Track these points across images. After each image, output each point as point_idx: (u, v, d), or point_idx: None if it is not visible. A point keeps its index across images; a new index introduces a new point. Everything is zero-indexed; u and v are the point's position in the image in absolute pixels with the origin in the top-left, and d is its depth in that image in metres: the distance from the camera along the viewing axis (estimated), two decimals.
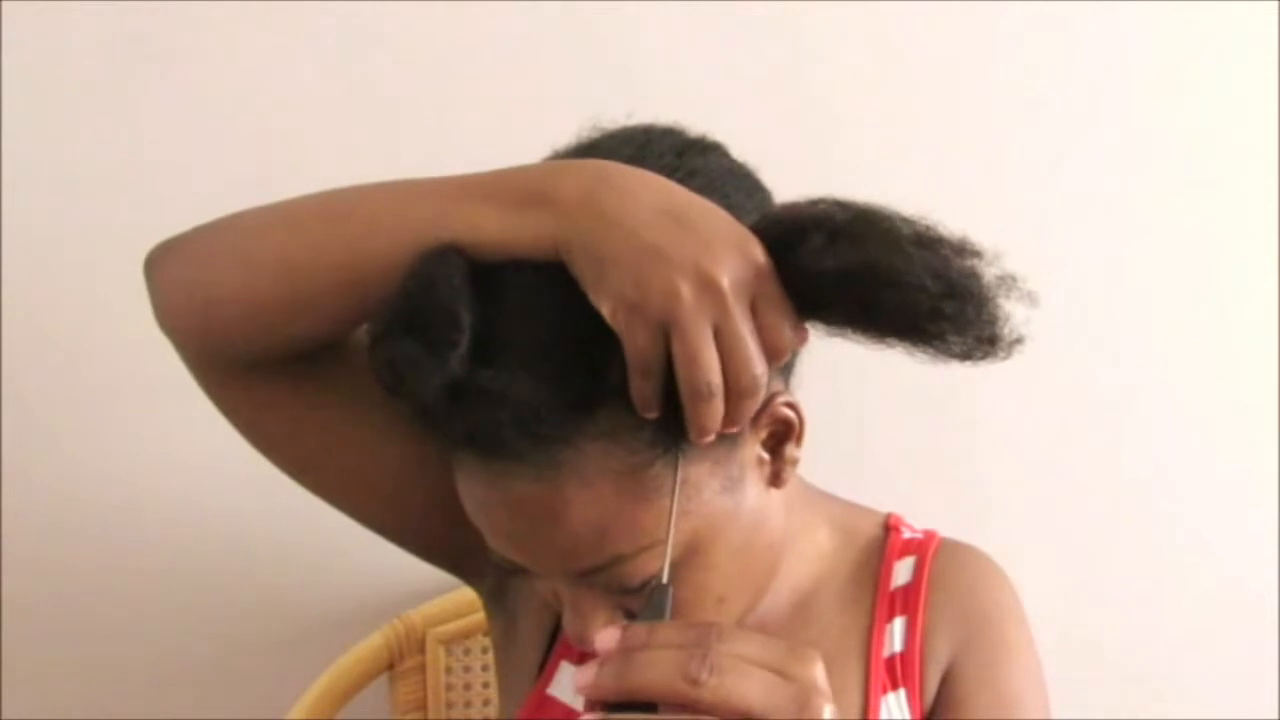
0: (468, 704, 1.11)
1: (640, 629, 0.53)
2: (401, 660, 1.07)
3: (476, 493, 0.64)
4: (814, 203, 0.62)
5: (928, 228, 0.60)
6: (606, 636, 0.53)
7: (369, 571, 1.15)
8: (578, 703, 0.77)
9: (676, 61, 1.17)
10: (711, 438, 0.60)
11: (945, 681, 0.75)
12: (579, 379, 0.59)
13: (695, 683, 0.50)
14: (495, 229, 0.61)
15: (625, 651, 0.52)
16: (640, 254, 0.57)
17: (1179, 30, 1.24)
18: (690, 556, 0.64)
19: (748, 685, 0.50)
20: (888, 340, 0.60)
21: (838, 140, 1.21)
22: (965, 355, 0.59)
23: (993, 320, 0.59)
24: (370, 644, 1.06)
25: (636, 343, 0.57)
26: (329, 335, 0.68)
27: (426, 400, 0.58)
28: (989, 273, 0.59)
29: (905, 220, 0.60)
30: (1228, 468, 1.31)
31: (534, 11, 1.14)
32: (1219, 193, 1.27)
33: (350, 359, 0.70)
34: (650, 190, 0.60)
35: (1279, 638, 1.32)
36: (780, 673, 0.51)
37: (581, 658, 0.78)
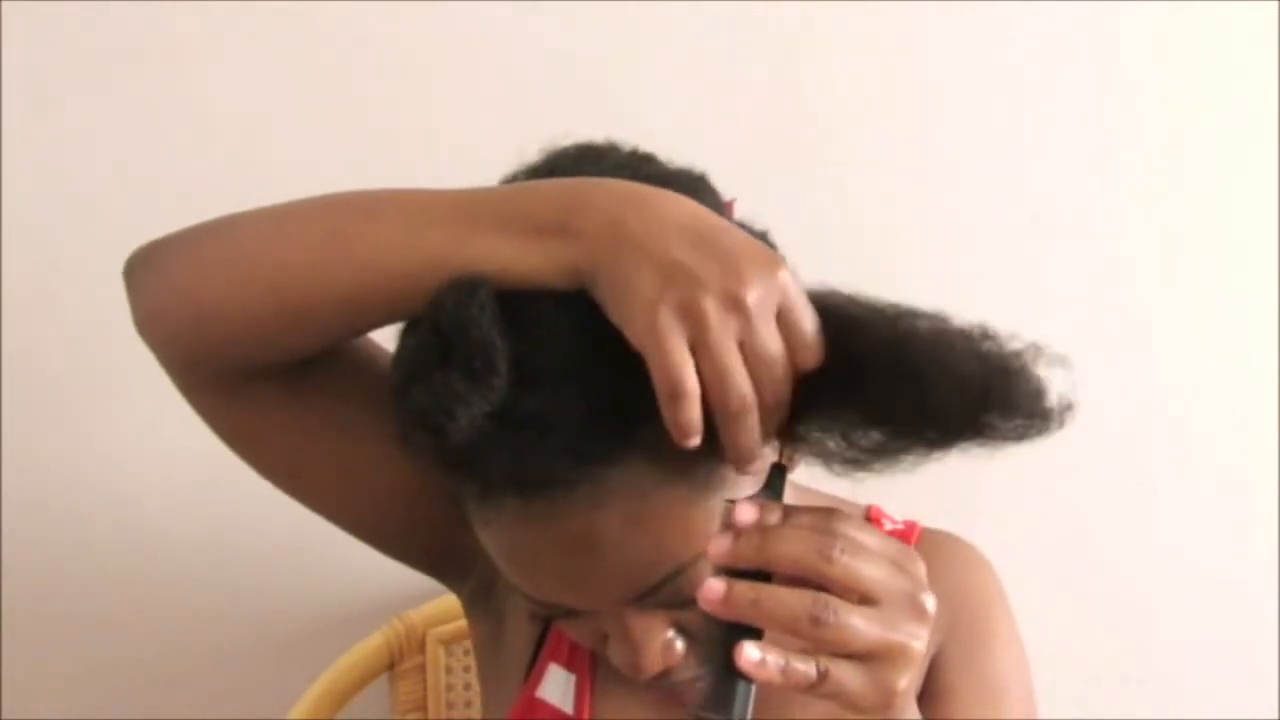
0: (468, 704, 1.11)
1: (777, 506, 0.57)
2: (401, 660, 1.07)
3: (521, 539, 0.63)
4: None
5: (944, 322, 0.59)
6: (747, 510, 0.57)
7: (369, 571, 1.14)
8: (566, 705, 0.77)
9: (664, 65, 1.17)
10: (756, 461, 0.59)
11: (931, 671, 0.75)
12: (618, 397, 0.59)
13: (829, 560, 0.54)
14: (511, 263, 0.60)
15: (763, 527, 0.56)
16: (662, 272, 0.56)
17: (1178, 30, 1.24)
18: None
19: (872, 569, 0.55)
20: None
21: (825, 142, 1.21)
22: (1019, 437, 0.58)
23: (1039, 396, 0.58)
24: (370, 644, 1.06)
25: (662, 363, 0.56)
26: (323, 348, 0.67)
27: (471, 436, 0.57)
28: (1016, 349, 0.58)
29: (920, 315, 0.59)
30: (1228, 465, 1.31)
31: (523, 14, 1.14)
32: (1218, 194, 1.27)
33: (336, 363, 0.70)
34: (676, 210, 0.59)
35: (1279, 637, 1.33)
36: (897, 565, 0.56)
37: (570, 660, 0.78)
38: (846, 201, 1.21)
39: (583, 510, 0.60)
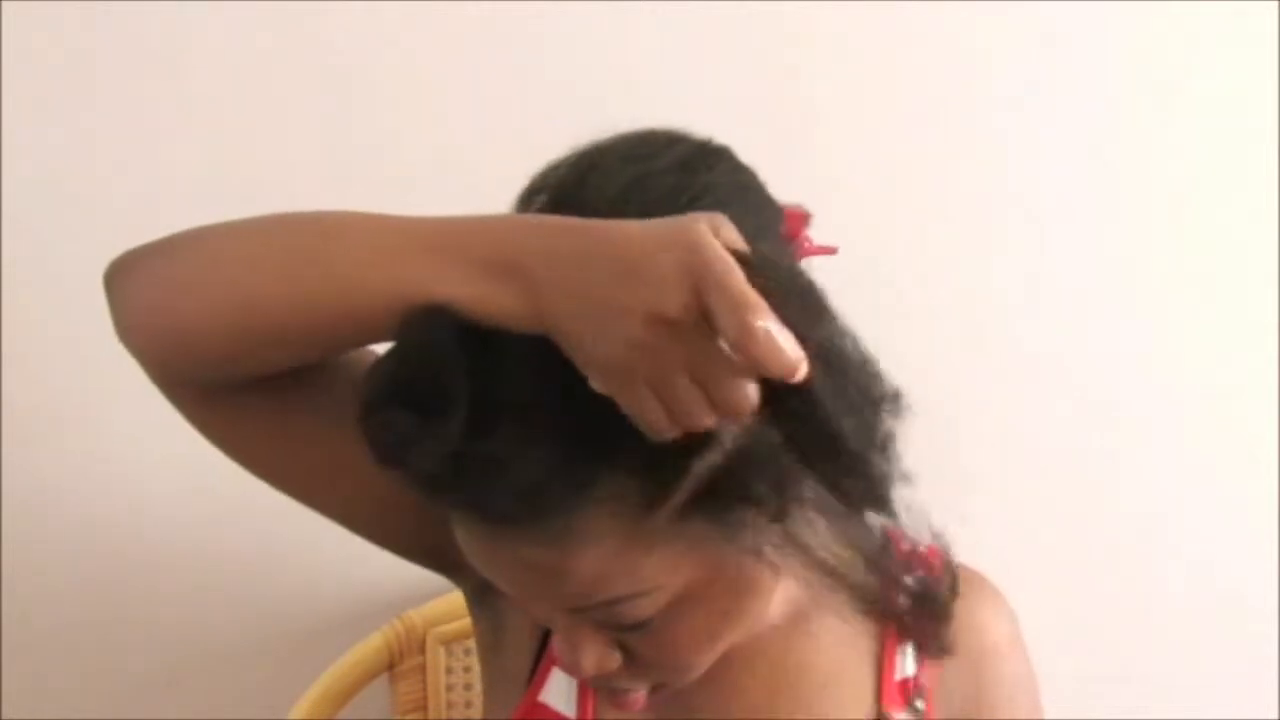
0: (468, 704, 1.11)
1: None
2: (401, 660, 1.07)
3: (477, 548, 0.65)
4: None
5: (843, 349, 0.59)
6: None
7: (369, 571, 1.15)
8: (570, 709, 0.77)
9: (667, 59, 1.17)
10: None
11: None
12: (580, 447, 0.59)
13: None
14: (474, 303, 0.59)
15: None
16: (595, 317, 0.56)
17: (1177, 30, 1.24)
18: (685, 600, 0.65)
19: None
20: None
21: (825, 139, 1.21)
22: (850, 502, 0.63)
23: (878, 486, 0.62)
24: (370, 644, 1.06)
25: (636, 412, 0.56)
26: (299, 364, 0.67)
27: (429, 469, 0.58)
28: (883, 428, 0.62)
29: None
30: (1228, 469, 1.31)
31: (522, 14, 1.14)
32: (1220, 198, 1.27)
33: (322, 371, 0.69)
34: (599, 243, 0.57)
35: (1279, 637, 1.33)
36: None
37: None
38: (844, 200, 1.21)
39: (536, 544, 0.61)
